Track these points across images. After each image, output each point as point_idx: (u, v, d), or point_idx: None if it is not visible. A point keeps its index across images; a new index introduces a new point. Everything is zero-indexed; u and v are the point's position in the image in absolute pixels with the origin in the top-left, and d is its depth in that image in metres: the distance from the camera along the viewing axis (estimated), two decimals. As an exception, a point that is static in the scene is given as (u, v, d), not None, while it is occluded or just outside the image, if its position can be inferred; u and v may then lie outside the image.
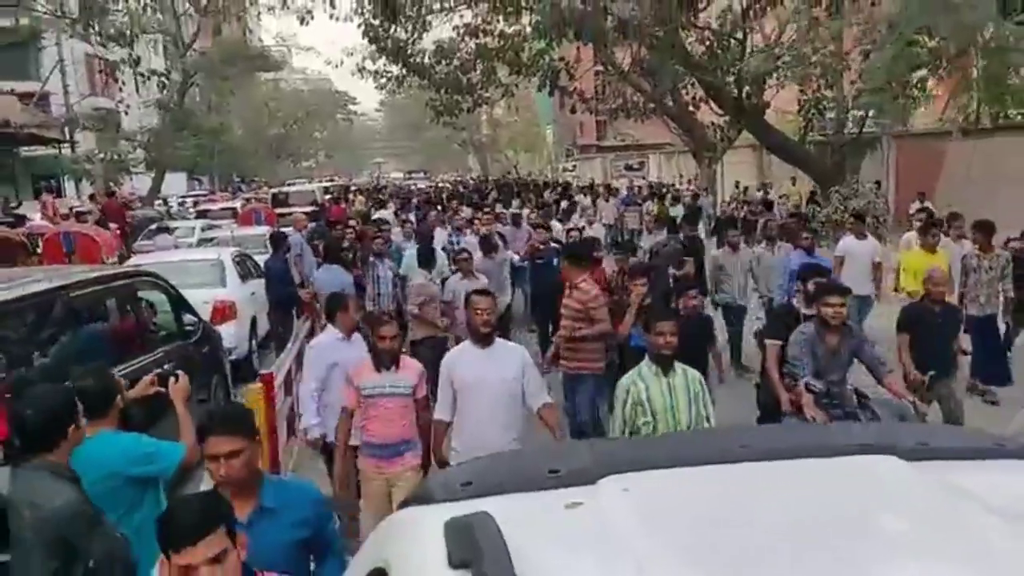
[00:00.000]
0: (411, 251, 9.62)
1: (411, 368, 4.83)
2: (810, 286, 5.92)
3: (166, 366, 5.46)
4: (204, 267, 10.07)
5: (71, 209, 18.61)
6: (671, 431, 4.34)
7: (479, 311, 4.67)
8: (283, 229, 12.02)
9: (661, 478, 1.79)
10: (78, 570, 3.05)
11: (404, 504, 2.03)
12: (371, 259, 9.41)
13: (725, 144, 23.33)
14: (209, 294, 9.38)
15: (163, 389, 4.11)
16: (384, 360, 4.73)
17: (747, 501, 1.71)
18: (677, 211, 15.62)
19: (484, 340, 4.67)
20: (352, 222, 13.67)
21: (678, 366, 4.52)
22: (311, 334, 7.96)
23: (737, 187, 25.62)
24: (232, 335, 9.25)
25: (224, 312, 9.40)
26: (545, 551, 1.53)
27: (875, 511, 1.66)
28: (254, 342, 10.11)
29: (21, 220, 15.26)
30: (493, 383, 4.56)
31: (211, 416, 2.92)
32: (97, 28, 18.75)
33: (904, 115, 21.53)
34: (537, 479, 1.82)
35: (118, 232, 15.75)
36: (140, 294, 6.41)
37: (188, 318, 7.11)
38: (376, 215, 17.40)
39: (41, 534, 3.01)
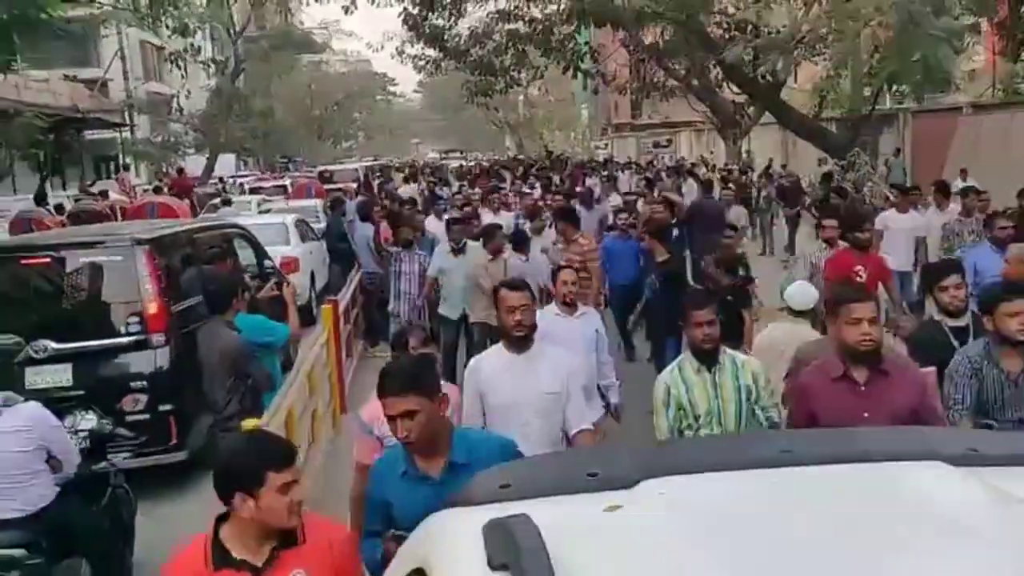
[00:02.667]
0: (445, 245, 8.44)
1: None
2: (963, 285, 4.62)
3: (270, 283, 7.57)
4: (271, 229, 12.17)
5: (133, 187, 21.12)
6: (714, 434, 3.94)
7: (513, 308, 3.94)
8: (338, 195, 14.25)
9: (701, 482, 1.80)
10: (243, 384, 5.15)
11: (443, 506, 2.06)
12: (395, 249, 8.87)
13: (748, 122, 24.94)
14: (276, 251, 11.50)
15: (278, 292, 6.31)
16: None
17: (787, 508, 1.71)
18: (689, 187, 16.82)
19: (520, 344, 3.96)
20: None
21: (725, 355, 4.04)
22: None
23: (770, 165, 26.98)
24: (296, 284, 11.39)
25: (289, 266, 11.49)
26: (584, 554, 1.56)
27: (920, 519, 1.64)
28: (313, 292, 12.26)
29: (104, 195, 17.64)
30: (530, 399, 3.86)
31: (386, 374, 2.88)
32: (163, 21, 21.04)
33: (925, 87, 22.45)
34: (576, 482, 1.84)
35: (187, 205, 18.06)
36: (237, 241, 8.54)
37: (267, 262, 9.24)
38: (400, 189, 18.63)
39: (223, 360, 5.11)
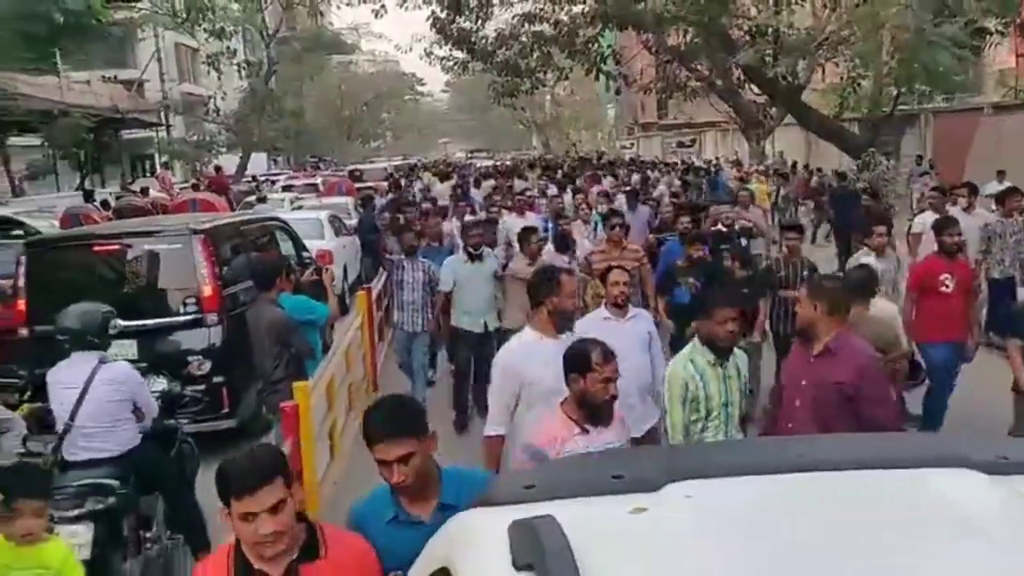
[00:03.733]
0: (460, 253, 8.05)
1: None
2: None
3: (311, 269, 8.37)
4: (306, 224, 13.02)
5: (172, 185, 22.22)
6: (721, 427, 4.12)
7: (572, 293, 4.34)
8: (368, 192, 15.13)
9: (727, 486, 1.81)
10: (287, 353, 5.95)
11: (467, 506, 2.08)
12: (396, 258, 8.32)
13: (772, 122, 25.44)
14: (312, 244, 12.34)
15: (319, 277, 7.14)
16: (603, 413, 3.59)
17: (815, 513, 1.71)
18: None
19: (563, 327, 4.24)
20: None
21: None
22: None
23: (795, 166, 27.50)
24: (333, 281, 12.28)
25: (324, 258, 12.30)
26: (609, 556, 1.57)
27: (949, 528, 1.64)
28: (346, 283, 13.10)
29: (145, 192, 18.66)
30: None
31: (375, 419, 2.78)
32: (202, 26, 22.09)
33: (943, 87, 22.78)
34: (601, 484, 1.85)
35: (225, 201, 19.02)
36: (278, 233, 9.38)
37: (305, 253, 10.07)
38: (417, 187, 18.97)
39: (269, 332, 5.91)
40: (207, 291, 7.14)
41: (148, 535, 4.93)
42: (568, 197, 14.72)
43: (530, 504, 1.77)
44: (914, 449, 2.09)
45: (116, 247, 7.42)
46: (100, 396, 4.74)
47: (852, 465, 1.88)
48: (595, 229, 10.79)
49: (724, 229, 8.92)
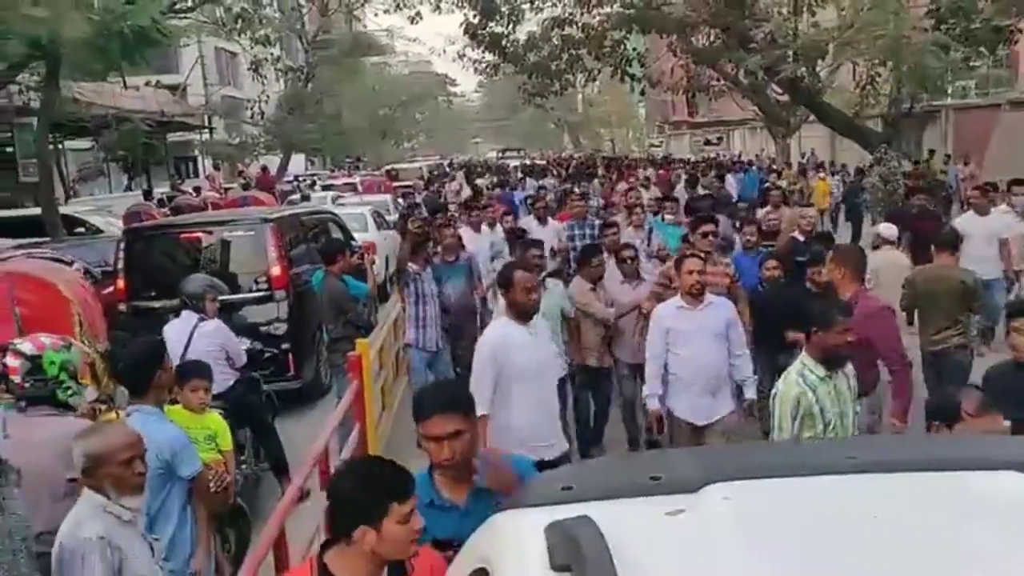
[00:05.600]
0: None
1: None
2: None
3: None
4: (352, 218, 14.44)
5: (221, 185, 23.90)
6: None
7: (529, 289, 4.50)
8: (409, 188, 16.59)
9: (764, 488, 1.82)
10: (343, 318, 7.31)
11: (504, 507, 2.13)
12: (414, 268, 7.44)
13: (796, 120, 26.45)
14: (357, 236, 13.76)
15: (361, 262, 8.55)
16: None
17: (852, 517, 1.70)
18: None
19: (527, 316, 4.52)
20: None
21: None
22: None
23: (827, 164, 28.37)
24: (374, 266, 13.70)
25: (369, 249, 13.72)
26: (646, 557, 1.59)
27: (994, 532, 1.63)
28: (387, 272, 14.49)
29: (198, 191, 20.27)
30: (546, 366, 4.53)
31: (428, 395, 2.94)
32: (249, 34, 23.74)
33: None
34: (638, 485, 1.87)
35: (273, 199, 20.58)
36: (331, 224, 10.78)
37: (353, 242, 11.46)
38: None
39: (330, 301, 7.29)
40: (276, 271, 8.54)
41: (242, 457, 6.30)
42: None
43: (567, 505, 1.81)
44: (962, 452, 2.08)
45: (200, 234, 8.88)
46: (199, 347, 6.12)
47: (896, 468, 1.87)
48: (649, 235, 9.13)
49: (801, 237, 7.89)
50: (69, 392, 3.86)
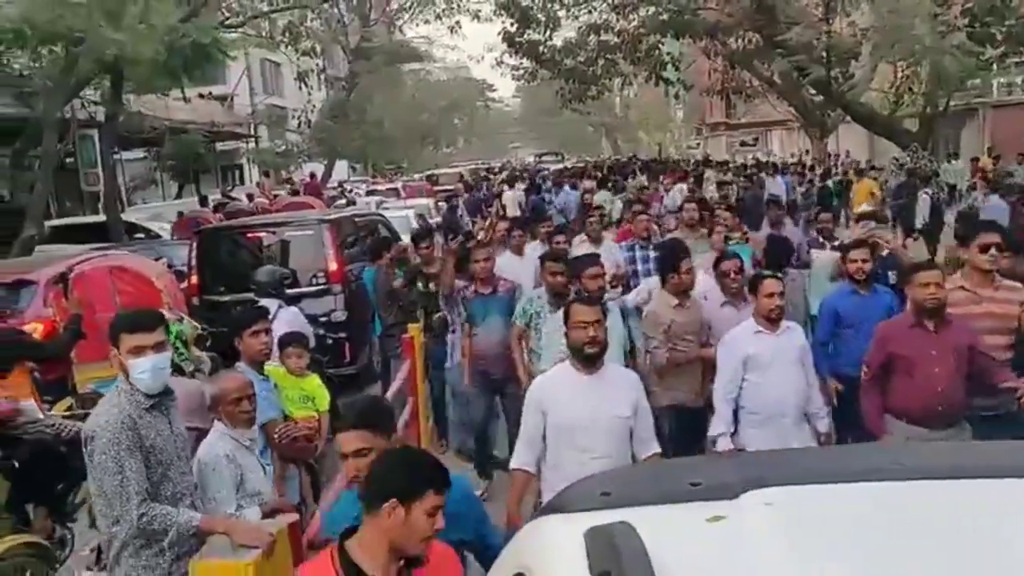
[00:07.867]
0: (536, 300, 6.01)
1: None
2: None
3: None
4: (397, 221, 15.32)
5: (270, 191, 25.16)
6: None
7: (586, 323, 3.86)
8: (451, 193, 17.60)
9: (806, 494, 1.79)
10: (395, 306, 8.21)
11: (542, 512, 2.14)
12: (463, 284, 6.62)
13: (833, 120, 26.91)
14: (403, 238, 14.74)
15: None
16: None
17: (898, 524, 1.69)
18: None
19: (589, 363, 3.91)
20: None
21: None
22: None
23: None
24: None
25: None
26: (686, 563, 1.59)
27: None
28: (431, 272, 15.47)
29: (251, 197, 21.45)
30: (601, 421, 3.85)
31: (344, 410, 3.03)
32: (295, 46, 24.99)
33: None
34: (678, 491, 1.86)
35: (322, 204, 21.68)
36: (380, 226, 11.72)
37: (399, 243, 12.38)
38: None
39: (384, 291, 8.18)
40: (333, 267, 9.47)
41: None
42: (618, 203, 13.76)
43: (605, 511, 1.80)
44: (1012, 457, 2.06)
45: (264, 234, 9.84)
46: (279, 329, 7.01)
47: (942, 474, 1.85)
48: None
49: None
50: (182, 357, 4.77)
